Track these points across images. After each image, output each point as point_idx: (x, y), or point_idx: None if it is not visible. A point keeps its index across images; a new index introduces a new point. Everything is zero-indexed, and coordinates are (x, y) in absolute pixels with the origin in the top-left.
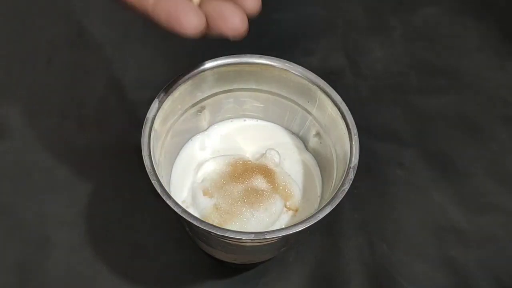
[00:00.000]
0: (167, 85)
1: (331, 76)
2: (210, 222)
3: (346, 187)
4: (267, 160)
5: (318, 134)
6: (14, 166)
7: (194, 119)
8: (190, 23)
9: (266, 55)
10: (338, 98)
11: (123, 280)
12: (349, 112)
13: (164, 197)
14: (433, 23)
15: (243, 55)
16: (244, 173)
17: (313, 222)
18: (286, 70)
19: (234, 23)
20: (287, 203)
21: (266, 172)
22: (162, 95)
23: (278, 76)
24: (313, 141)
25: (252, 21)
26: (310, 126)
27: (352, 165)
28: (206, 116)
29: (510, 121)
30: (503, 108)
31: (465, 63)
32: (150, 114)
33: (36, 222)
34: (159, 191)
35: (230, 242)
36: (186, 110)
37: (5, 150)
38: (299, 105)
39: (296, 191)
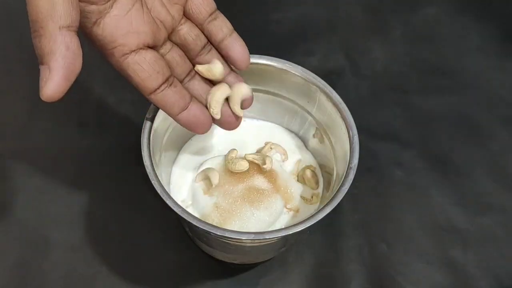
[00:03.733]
0: None
1: (331, 76)
2: (210, 221)
3: (346, 187)
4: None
5: (318, 134)
6: (14, 166)
7: None
8: (203, 131)
9: (266, 55)
10: (338, 98)
11: (123, 280)
12: (349, 112)
13: (164, 197)
14: (433, 23)
15: None
16: (245, 172)
17: (313, 222)
18: (286, 70)
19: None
20: (288, 205)
21: (267, 172)
22: None
23: (278, 76)
24: (313, 141)
25: (252, 21)
26: (310, 126)
27: (352, 165)
28: None
29: (510, 121)
30: (503, 108)
31: (465, 63)
32: (149, 115)
33: (36, 222)
34: (158, 191)
35: (230, 242)
36: None
37: (5, 150)
38: (299, 105)
39: (297, 192)
